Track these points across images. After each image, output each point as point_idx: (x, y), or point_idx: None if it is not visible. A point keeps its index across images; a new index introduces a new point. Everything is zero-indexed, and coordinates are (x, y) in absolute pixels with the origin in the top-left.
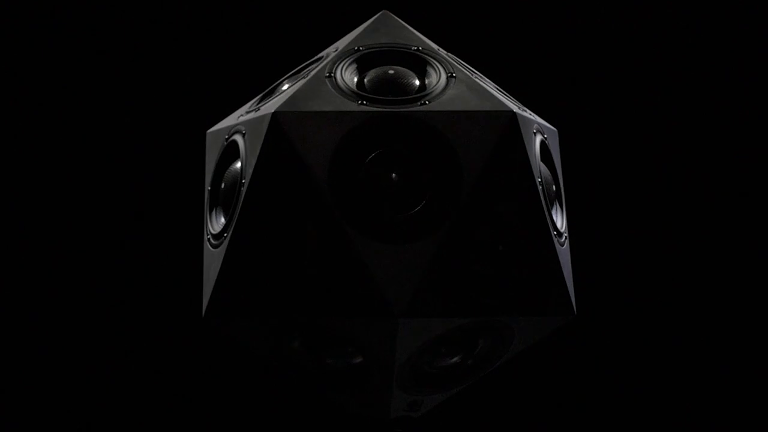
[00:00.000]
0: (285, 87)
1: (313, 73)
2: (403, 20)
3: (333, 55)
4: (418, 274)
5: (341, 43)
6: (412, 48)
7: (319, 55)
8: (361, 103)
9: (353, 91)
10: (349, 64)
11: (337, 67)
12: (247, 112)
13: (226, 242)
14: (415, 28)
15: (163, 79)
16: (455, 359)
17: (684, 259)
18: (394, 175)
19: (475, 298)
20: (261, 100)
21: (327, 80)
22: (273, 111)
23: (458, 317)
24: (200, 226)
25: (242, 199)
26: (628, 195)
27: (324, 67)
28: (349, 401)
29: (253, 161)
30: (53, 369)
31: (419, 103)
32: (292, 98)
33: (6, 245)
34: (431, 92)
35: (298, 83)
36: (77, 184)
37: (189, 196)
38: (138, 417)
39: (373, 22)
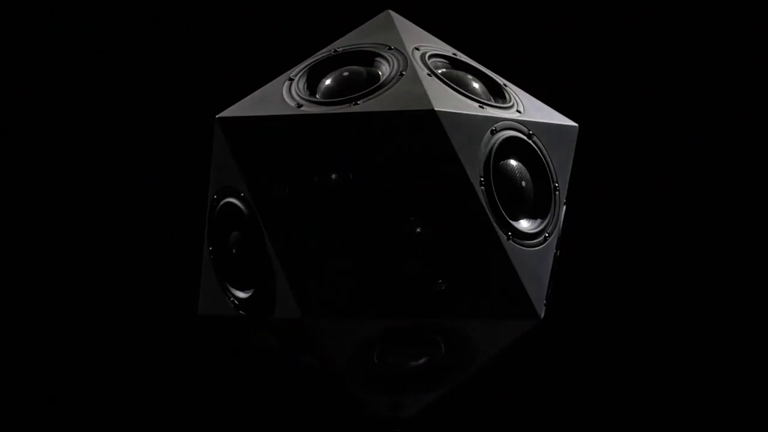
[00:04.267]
0: (329, 82)
1: (414, 70)
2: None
3: (413, 53)
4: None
5: (372, 38)
6: (451, 53)
7: (327, 50)
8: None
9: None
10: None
11: (435, 67)
12: (322, 104)
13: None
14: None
15: (162, 76)
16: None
17: (685, 262)
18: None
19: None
20: (312, 93)
21: (435, 79)
22: (432, 108)
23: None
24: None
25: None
26: (638, 198)
27: (421, 66)
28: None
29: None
30: (59, 367)
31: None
32: (434, 98)
33: (8, 239)
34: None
35: (405, 80)
36: (75, 179)
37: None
38: (137, 416)
39: (396, 21)
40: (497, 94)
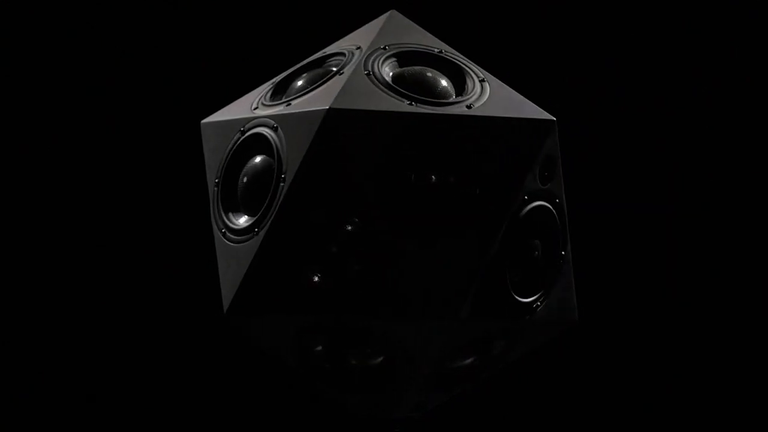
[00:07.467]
0: (301, 82)
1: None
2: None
3: (363, 52)
4: (446, 276)
5: (357, 41)
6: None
7: (327, 51)
8: (410, 104)
9: (400, 91)
10: (385, 62)
11: (374, 65)
12: (267, 105)
13: (258, 238)
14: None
15: (163, 74)
16: (469, 361)
17: (683, 262)
18: (433, 177)
19: (504, 302)
20: (275, 94)
21: (367, 77)
22: (327, 107)
23: (486, 320)
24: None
25: (283, 194)
26: (628, 197)
27: (360, 64)
28: (359, 402)
29: (299, 156)
30: (55, 367)
31: (465, 107)
32: (341, 95)
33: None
34: (471, 96)
35: (334, 80)
36: (69, 179)
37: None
38: (139, 416)
39: (396, 21)
40: None
